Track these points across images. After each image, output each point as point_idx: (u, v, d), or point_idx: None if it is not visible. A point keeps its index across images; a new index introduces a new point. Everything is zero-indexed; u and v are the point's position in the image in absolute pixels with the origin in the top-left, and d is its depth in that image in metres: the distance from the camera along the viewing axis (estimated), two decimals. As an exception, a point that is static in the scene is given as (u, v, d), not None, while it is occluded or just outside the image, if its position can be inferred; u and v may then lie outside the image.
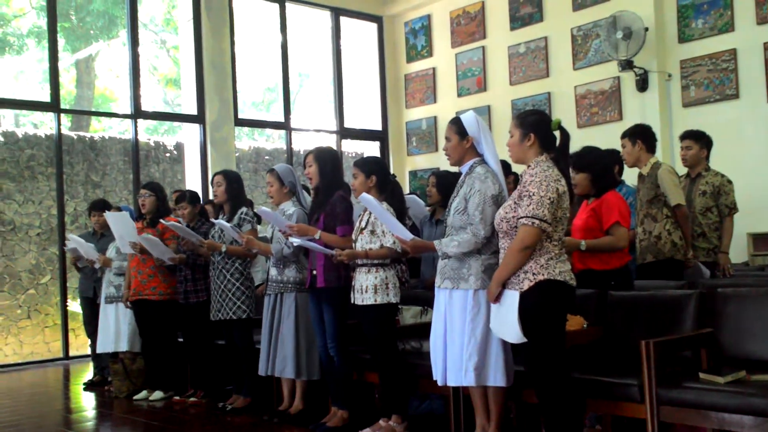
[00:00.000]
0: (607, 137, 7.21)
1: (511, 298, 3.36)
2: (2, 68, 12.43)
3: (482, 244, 3.64)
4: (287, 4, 10.16)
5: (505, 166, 4.82)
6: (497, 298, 3.42)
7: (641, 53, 8.13)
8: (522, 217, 3.31)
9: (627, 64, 8.22)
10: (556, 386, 3.31)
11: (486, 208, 3.63)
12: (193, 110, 9.36)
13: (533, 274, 3.31)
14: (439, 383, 3.79)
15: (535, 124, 3.50)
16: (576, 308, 3.78)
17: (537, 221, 3.27)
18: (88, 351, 7.28)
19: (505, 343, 3.59)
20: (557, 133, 3.53)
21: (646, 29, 8.08)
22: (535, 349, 3.33)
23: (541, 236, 3.31)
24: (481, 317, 3.60)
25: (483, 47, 9.91)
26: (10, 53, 12.44)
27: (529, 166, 3.47)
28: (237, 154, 9.82)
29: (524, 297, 3.31)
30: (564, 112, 8.71)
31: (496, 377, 3.63)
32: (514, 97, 9.48)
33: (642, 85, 8.30)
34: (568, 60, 9.04)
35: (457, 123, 3.84)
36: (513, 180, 5.25)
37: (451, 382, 3.73)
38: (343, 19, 10.84)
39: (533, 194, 3.31)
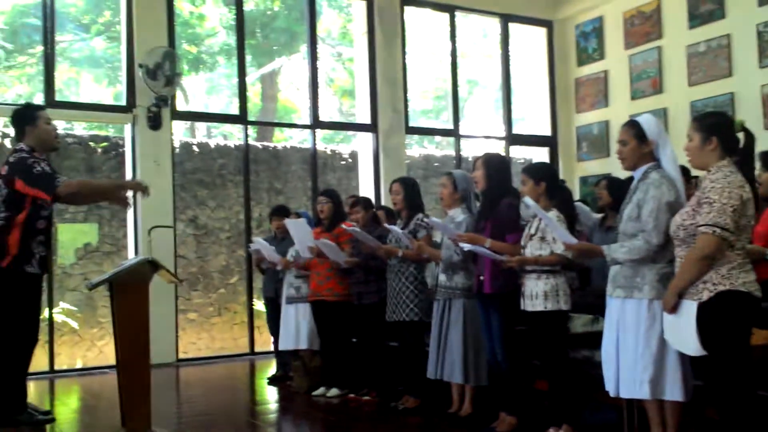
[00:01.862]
0: (800, 139, 6.69)
1: (689, 309, 3.25)
2: (197, 84, 13.54)
3: (654, 252, 3.55)
4: (457, 13, 10.30)
5: (683, 171, 4.64)
6: (674, 309, 3.33)
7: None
8: (701, 225, 3.19)
9: (823, 60, 7.60)
10: (739, 404, 3.17)
11: (660, 215, 3.54)
12: (366, 120, 9.73)
13: (713, 284, 3.19)
14: (612, 394, 3.74)
15: (717, 127, 3.35)
16: (763, 321, 3.59)
17: (718, 230, 3.15)
18: (272, 348, 7.78)
19: (682, 356, 3.48)
20: (740, 136, 3.37)
21: None
22: (716, 363, 3.20)
23: (723, 245, 3.18)
24: (656, 328, 3.52)
25: (659, 47, 9.52)
26: (204, 70, 13.51)
27: (709, 171, 3.33)
28: (407, 162, 10.09)
29: (703, 308, 3.19)
30: (749, 113, 8.17)
31: (673, 391, 3.53)
32: (693, 99, 9.03)
33: (840, 81, 7.63)
34: (754, 58, 8.48)
35: (635, 126, 3.76)
36: (694, 186, 5.04)
37: (624, 394, 3.67)
38: (512, 26, 10.83)
39: (714, 201, 3.18)
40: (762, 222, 4.11)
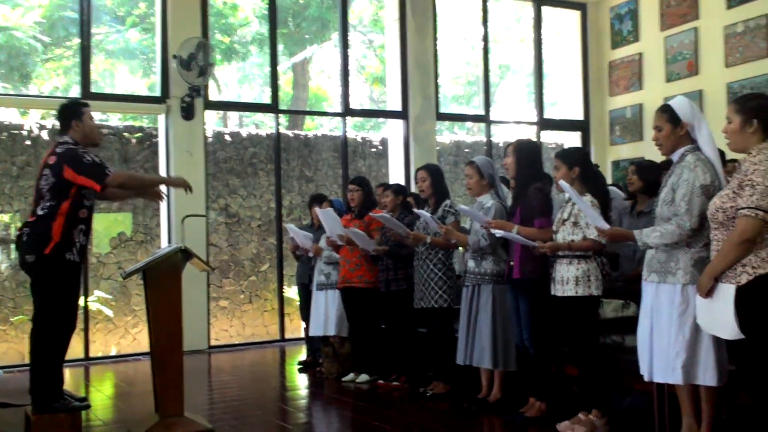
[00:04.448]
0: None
1: (726, 292, 3.19)
2: (229, 74, 13.62)
3: (688, 236, 3.49)
4: (489, -3, 10.20)
5: (720, 154, 4.54)
6: (709, 293, 3.26)
7: None
8: (743, 208, 3.12)
9: None
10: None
11: (694, 198, 3.48)
12: (397, 107, 9.70)
13: (753, 267, 3.12)
14: (646, 378, 3.71)
15: (758, 109, 3.28)
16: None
17: (761, 212, 3.08)
18: (302, 334, 7.82)
19: (717, 340, 3.42)
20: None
21: None
22: (754, 347, 3.13)
23: (764, 228, 3.11)
24: (689, 313, 3.47)
25: (695, 29, 9.31)
26: (236, 60, 13.58)
27: (750, 153, 3.25)
28: (438, 148, 10.04)
29: (742, 291, 3.13)
30: (790, 95, 7.95)
31: (706, 376, 3.48)
32: (729, 80, 8.83)
33: None
34: (794, 37, 8.26)
35: (668, 110, 3.70)
36: (731, 169, 4.93)
37: (658, 379, 3.64)
38: (545, 9, 10.69)
39: (757, 184, 3.11)
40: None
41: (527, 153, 4.76)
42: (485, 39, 10.21)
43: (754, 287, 3.11)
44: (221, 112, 12.18)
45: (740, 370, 3.35)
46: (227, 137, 9.71)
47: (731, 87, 8.75)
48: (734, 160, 5.28)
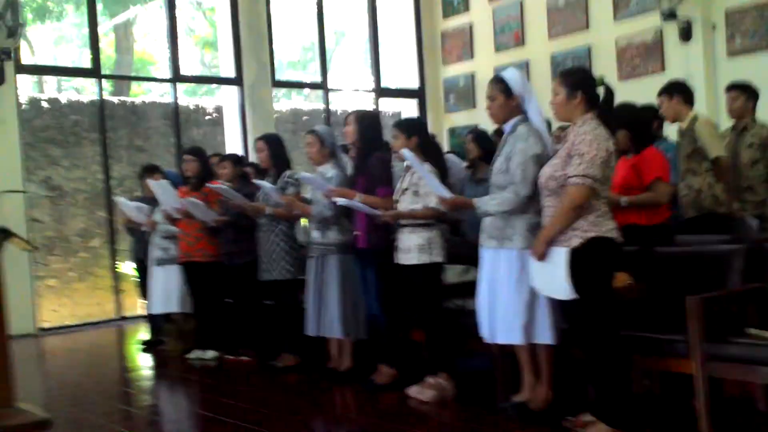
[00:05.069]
0: (650, 90, 7.02)
1: (559, 256, 3.38)
2: (44, 35, 12.59)
3: (523, 204, 3.66)
4: (321, -38, 10.07)
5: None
6: (543, 256, 3.45)
7: (684, 3, 7.93)
8: (573, 176, 3.31)
9: (670, 14, 8.03)
10: (605, 343, 3.36)
11: (528, 167, 3.64)
12: (231, 72, 9.42)
13: (583, 231, 3.33)
14: (486, 340, 3.87)
15: (582, 82, 3.48)
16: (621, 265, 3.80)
17: (589, 180, 3.28)
18: (141, 312, 7.49)
19: (552, 302, 3.63)
20: (601, 90, 3.51)
21: (690, -23, 7.87)
22: (585, 305, 3.37)
23: (592, 195, 3.32)
24: (526, 276, 3.64)
25: (520, 1, 9.74)
26: (50, 19, 12.58)
27: (575, 124, 3.45)
28: (276, 116, 9.87)
29: (574, 254, 3.34)
30: (605, 66, 8.55)
31: (544, 335, 3.69)
32: (553, 52, 9.34)
33: (685, 35, 8.09)
34: (609, 11, 8.85)
35: (501, 81, 3.82)
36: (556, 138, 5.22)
37: (499, 340, 3.80)
38: (378, -24, 10.73)
39: (584, 153, 3.31)
40: (616, 172, 4.31)
41: (369, 122, 4.78)
42: (319, 3, 10.10)
43: (585, 249, 3.33)
44: (36, 77, 11.27)
45: (572, 329, 3.58)
46: (44, 104, 9.00)
47: (555, 58, 9.26)
48: (561, 128, 5.60)
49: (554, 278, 3.43)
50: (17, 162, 7.69)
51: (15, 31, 7.49)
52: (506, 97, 3.80)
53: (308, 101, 11.82)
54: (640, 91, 6.37)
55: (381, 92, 10.73)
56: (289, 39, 13.42)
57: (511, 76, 3.84)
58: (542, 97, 3.78)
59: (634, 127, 4.27)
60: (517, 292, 3.68)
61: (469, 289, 4.31)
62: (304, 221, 5.57)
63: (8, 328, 4.03)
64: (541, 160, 3.64)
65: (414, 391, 4.32)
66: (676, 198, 4.91)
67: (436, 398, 4.23)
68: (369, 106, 10.35)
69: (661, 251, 4.02)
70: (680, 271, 3.88)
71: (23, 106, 8.44)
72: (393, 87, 10.94)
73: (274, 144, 5.51)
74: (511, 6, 9.84)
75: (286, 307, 5.40)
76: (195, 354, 5.96)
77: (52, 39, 12.98)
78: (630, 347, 3.48)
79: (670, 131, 5.56)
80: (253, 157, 7.95)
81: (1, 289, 4.00)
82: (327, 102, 10.37)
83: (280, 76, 10.10)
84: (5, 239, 4.18)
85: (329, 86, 10.34)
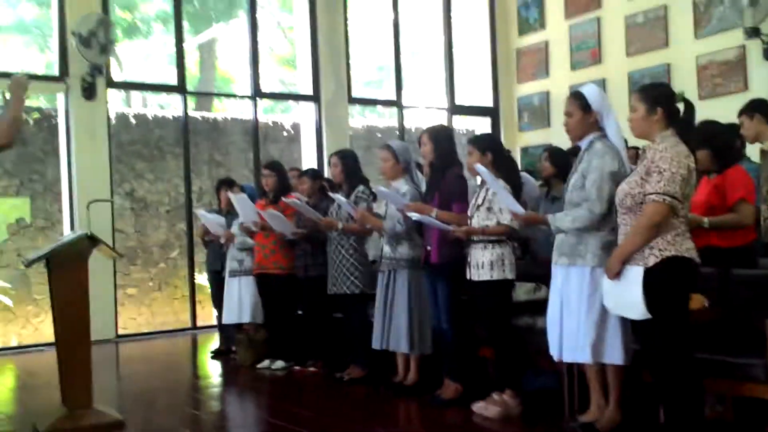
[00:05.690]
0: (731, 110, 6.83)
1: (634, 274, 3.31)
2: (132, 52, 13.13)
3: (598, 221, 3.62)
4: (399, -18, 10.21)
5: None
6: (617, 275, 3.39)
7: (769, 20, 7.71)
8: (652, 194, 3.25)
9: (753, 32, 7.80)
10: (677, 365, 3.27)
11: (603, 184, 3.61)
12: (308, 90, 9.60)
13: (660, 250, 3.26)
14: (555, 358, 3.83)
15: (662, 98, 3.41)
16: (697, 286, 3.71)
17: (668, 198, 3.22)
18: (214, 322, 7.69)
19: (623, 321, 3.57)
20: (680, 106, 3.44)
21: (776, -6, 7.64)
22: (659, 326, 3.28)
23: (671, 213, 3.25)
24: (598, 295, 3.59)
25: (598, 18, 9.63)
26: (138, 37, 13.10)
27: (654, 141, 3.40)
28: (350, 133, 10.02)
29: (650, 273, 3.26)
30: (684, 84, 8.35)
31: (613, 355, 3.63)
32: (630, 69, 9.19)
33: (770, 53, 7.86)
34: (689, 29, 8.66)
35: (580, 97, 3.80)
36: (633, 155, 5.14)
37: (568, 358, 3.76)
38: (454, -6, 10.79)
39: (664, 170, 3.24)
40: (699, 192, 4.22)
41: (443, 136, 4.81)
42: (395, 23, 10.22)
43: (661, 268, 3.25)
44: (123, 93, 11.77)
45: (643, 350, 3.51)
46: (132, 119, 9.39)
47: (632, 76, 9.11)
48: (636, 148, 5.51)
49: (628, 297, 3.36)
50: (107, 175, 7.97)
51: (106, 48, 7.83)
52: (584, 113, 3.77)
53: (382, 119, 11.94)
54: (721, 111, 6.16)
55: (455, 110, 10.74)
56: (366, 58, 13.61)
57: (590, 91, 3.81)
58: (619, 116, 3.73)
59: (717, 145, 4.16)
60: (587, 310, 3.64)
61: (538, 307, 4.29)
62: (377, 235, 5.62)
63: (90, 333, 4.26)
64: (617, 177, 3.59)
65: (479, 406, 4.31)
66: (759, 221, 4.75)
67: (501, 415, 4.20)
68: (443, 123, 10.37)
69: (739, 273, 3.91)
70: (758, 294, 3.76)
71: (112, 121, 8.81)
72: (467, 105, 10.96)
73: (348, 160, 5.60)
74: (588, 23, 9.74)
75: (354, 321, 5.45)
76: (264, 364, 6.07)
77: (139, 56, 13.52)
78: (703, 370, 3.39)
79: (752, 152, 5.38)
80: (328, 173, 8.09)
81: (86, 296, 4.23)
82: (401, 119, 10.46)
83: (356, 93, 10.25)
84: (93, 246, 4.40)
85: (404, 104, 10.44)
